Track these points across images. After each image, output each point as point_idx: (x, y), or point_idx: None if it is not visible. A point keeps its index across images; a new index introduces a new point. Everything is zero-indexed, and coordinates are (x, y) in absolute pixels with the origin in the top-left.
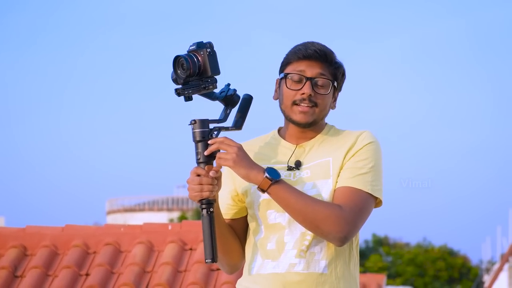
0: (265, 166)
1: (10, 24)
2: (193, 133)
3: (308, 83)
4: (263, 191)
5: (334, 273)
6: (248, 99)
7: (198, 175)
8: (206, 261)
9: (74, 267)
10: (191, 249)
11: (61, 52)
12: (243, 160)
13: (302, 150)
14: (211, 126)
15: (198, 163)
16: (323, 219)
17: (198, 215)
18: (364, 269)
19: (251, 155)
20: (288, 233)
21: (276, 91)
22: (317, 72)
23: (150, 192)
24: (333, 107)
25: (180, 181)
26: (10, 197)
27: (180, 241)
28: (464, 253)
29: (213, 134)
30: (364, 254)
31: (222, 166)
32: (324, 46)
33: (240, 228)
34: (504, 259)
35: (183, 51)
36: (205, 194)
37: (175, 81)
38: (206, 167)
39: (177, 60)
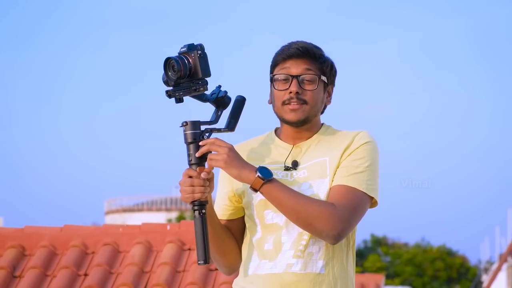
0: (258, 166)
1: (9, 24)
2: (185, 134)
3: (294, 81)
4: (255, 190)
5: (331, 273)
6: (241, 101)
7: (190, 177)
8: (199, 262)
9: (73, 267)
10: (189, 249)
11: (60, 52)
12: (234, 160)
13: (299, 150)
14: (203, 127)
15: (190, 164)
16: (316, 217)
17: None
18: (362, 269)
19: (248, 155)
20: (285, 233)
21: (270, 95)
22: (302, 68)
23: (149, 192)
24: (328, 102)
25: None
26: (9, 197)
27: (178, 241)
28: (462, 253)
29: (205, 136)
30: (362, 254)
31: (214, 167)
32: (308, 43)
33: (237, 229)
34: (503, 259)
35: (173, 53)
36: (197, 195)
37: (166, 83)
38: (198, 169)
39: (168, 62)
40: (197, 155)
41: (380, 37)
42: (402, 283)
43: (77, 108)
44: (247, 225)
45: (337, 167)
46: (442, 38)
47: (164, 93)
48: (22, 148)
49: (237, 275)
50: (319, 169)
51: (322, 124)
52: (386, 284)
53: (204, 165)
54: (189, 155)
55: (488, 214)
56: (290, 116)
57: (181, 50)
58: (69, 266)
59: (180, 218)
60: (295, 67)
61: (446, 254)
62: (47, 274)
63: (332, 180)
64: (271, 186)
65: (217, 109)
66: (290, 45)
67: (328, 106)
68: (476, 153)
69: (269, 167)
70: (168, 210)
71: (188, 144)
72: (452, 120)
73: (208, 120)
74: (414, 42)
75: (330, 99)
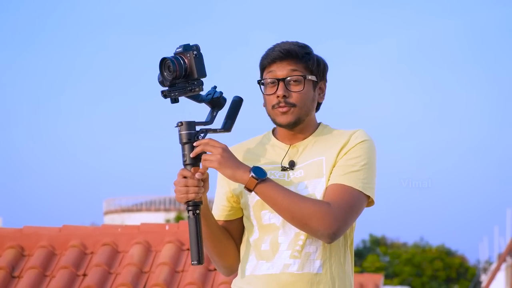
0: (252, 166)
1: (7, 24)
2: (180, 135)
3: (280, 84)
4: (249, 190)
5: (329, 272)
6: (238, 101)
7: (184, 177)
8: (192, 263)
9: (72, 268)
10: (188, 249)
11: (58, 52)
12: (228, 160)
13: (296, 150)
14: (198, 128)
15: (185, 165)
16: (311, 216)
17: None
18: (361, 269)
19: (245, 156)
20: (282, 234)
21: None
22: (287, 70)
23: (147, 193)
24: (321, 99)
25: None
26: (8, 197)
27: (177, 242)
28: (461, 253)
29: (200, 136)
30: (361, 254)
31: (209, 168)
32: (292, 43)
33: (236, 230)
34: (502, 259)
35: (171, 53)
36: (191, 196)
37: (162, 83)
38: (192, 169)
39: (163, 62)
40: (191, 155)
41: (379, 37)
42: (401, 283)
43: (75, 108)
44: (245, 225)
45: (333, 167)
46: (440, 38)
47: (160, 93)
48: (21, 148)
49: (236, 276)
50: (316, 169)
51: (319, 123)
52: (385, 284)
53: (199, 166)
54: (184, 156)
55: (487, 214)
56: (281, 119)
57: (177, 50)
58: (68, 266)
59: (178, 218)
60: (280, 70)
61: (445, 254)
62: (46, 274)
63: (329, 180)
64: (265, 186)
65: (212, 110)
66: (273, 48)
67: (327, 106)
68: (475, 153)
69: (266, 167)
70: (166, 210)
71: (183, 144)
72: (450, 120)
73: (203, 120)
74: (412, 42)
75: (323, 95)
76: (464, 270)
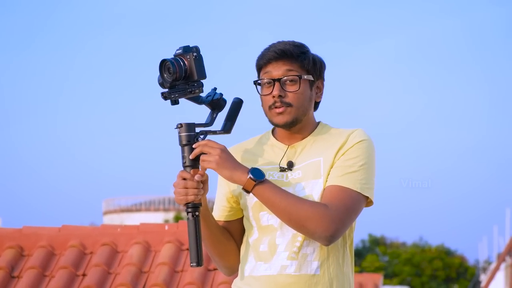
0: (250, 167)
1: (6, 24)
2: (179, 136)
3: (276, 84)
4: (247, 192)
5: (327, 273)
6: (238, 103)
7: (184, 179)
8: (191, 264)
9: (71, 268)
10: (188, 249)
11: (57, 53)
12: (226, 161)
13: (294, 151)
14: (198, 130)
15: (184, 166)
16: (308, 218)
17: None
18: (360, 269)
19: (244, 156)
20: (280, 235)
21: None
22: (282, 71)
23: (147, 193)
24: (318, 98)
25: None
26: (7, 197)
27: (177, 241)
28: (461, 252)
29: (199, 138)
30: (360, 254)
31: (208, 169)
32: (287, 43)
33: (236, 230)
34: (501, 258)
35: (170, 54)
36: (190, 198)
37: (162, 85)
38: (192, 171)
39: (163, 64)
40: (190, 157)
41: (377, 38)
42: (400, 283)
43: (75, 108)
44: (245, 226)
45: (331, 167)
46: (439, 38)
47: (160, 94)
48: (20, 148)
49: (237, 276)
50: (313, 170)
51: (319, 122)
52: (385, 284)
53: (198, 168)
54: (183, 157)
55: (486, 213)
56: (277, 120)
57: (177, 52)
58: (68, 266)
59: (177, 218)
60: (275, 70)
61: (445, 253)
62: (46, 275)
63: (326, 181)
64: (263, 188)
65: (212, 112)
66: (269, 48)
67: (326, 106)
68: (474, 153)
69: (265, 168)
70: (166, 210)
71: (182, 146)
72: (449, 120)
73: (203, 122)
74: (410, 42)
75: (321, 94)
76: (464, 270)
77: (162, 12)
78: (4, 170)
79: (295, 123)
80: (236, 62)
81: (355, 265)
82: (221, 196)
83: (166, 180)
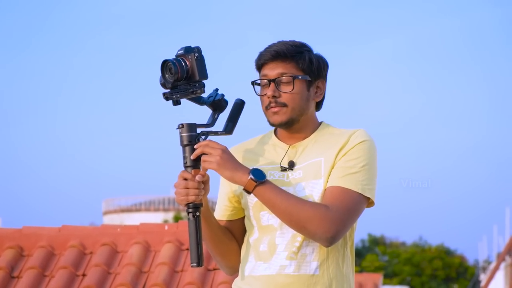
0: (251, 167)
1: (5, 24)
2: (181, 137)
3: (271, 85)
4: (248, 192)
5: (326, 274)
6: (240, 104)
7: (185, 179)
8: (192, 265)
9: (71, 268)
10: (187, 249)
11: (56, 53)
12: (227, 162)
13: (295, 151)
14: (199, 130)
15: (185, 167)
16: (309, 219)
17: None
18: (360, 269)
19: (245, 156)
20: (280, 235)
21: None
22: (277, 71)
23: (147, 193)
24: (317, 98)
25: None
26: (7, 197)
27: (176, 241)
28: (460, 252)
29: (201, 138)
30: (360, 254)
31: (209, 170)
32: (285, 43)
33: (238, 230)
34: (501, 258)
35: (171, 54)
36: (191, 198)
37: (164, 85)
38: (193, 171)
39: (165, 65)
40: (192, 157)
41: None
42: (400, 283)
43: (74, 108)
44: (246, 226)
45: (332, 168)
46: (437, 38)
47: (162, 95)
48: (20, 148)
49: (237, 275)
50: (314, 170)
51: (321, 122)
52: (384, 283)
53: (199, 168)
54: (184, 158)
55: (486, 213)
56: (273, 120)
57: (178, 52)
58: (67, 266)
59: (177, 218)
60: (271, 71)
61: (444, 253)
62: (45, 275)
63: (327, 181)
64: (264, 188)
65: (213, 112)
66: (265, 49)
67: (326, 106)
68: (474, 152)
69: (266, 167)
70: (165, 210)
71: (183, 146)
72: (448, 120)
73: (205, 123)
74: (409, 42)
75: (321, 94)
76: (463, 270)
77: (161, 12)
78: (4, 170)
79: (292, 123)
80: (235, 63)
81: (355, 264)
82: (223, 195)
83: (166, 180)
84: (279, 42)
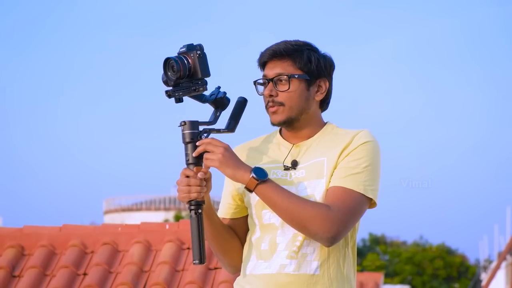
0: (253, 166)
1: (6, 24)
2: (183, 134)
3: (269, 84)
4: (250, 191)
5: (326, 274)
6: (242, 102)
7: (187, 177)
8: (194, 262)
9: (72, 267)
10: (188, 248)
11: (57, 53)
12: (229, 160)
13: (299, 150)
14: (201, 128)
15: (187, 164)
16: (310, 219)
17: None
18: (361, 268)
19: (249, 154)
20: (281, 234)
21: None
22: (275, 71)
23: (147, 192)
24: (318, 97)
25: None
26: (8, 197)
27: (177, 241)
28: (461, 251)
29: (203, 136)
30: (361, 253)
31: (211, 167)
32: (283, 43)
33: (241, 228)
34: (502, 257)
35: (173, 53)
36: (193, 195)
37: (166, 83)
38: (195, 169)
39: (167, 62)
40: (194, 154)
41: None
42: (401, 282)
43: (75, 108)
44: (249, 224)
45: (335, 168)
46: (438, 38)
47: (164, 93)
48: (21, 148)
49: (240, 274)
50: (317, 170)
51: (326, 123)
52: (385, 283)
53: (201, 165)
54: (186, 155)
55: (487, 212)
56: (272, 119)
57: (181, 50)
58: (68, 265)
59: (177, 218)
60: (270, 71)
61: (446, 252)
62: (46, 274)
63: (329, 181)
64: (265, 187)
65: (216, 110)
66: (266, 48)
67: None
68: (475, 152)
69: (269, 166)
70: (166, 209)
71: (185, 143)
72: (448, 120)
73: (207, 120)
74: (409, 42)
75: (322, 93)
76: (465, 269)
77: (163, 12)
78: (5, 169)
79: (292, 122)
80: (237, 62)
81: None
82: (227, 193)
83: (167, 179)
84: (281, 41)
